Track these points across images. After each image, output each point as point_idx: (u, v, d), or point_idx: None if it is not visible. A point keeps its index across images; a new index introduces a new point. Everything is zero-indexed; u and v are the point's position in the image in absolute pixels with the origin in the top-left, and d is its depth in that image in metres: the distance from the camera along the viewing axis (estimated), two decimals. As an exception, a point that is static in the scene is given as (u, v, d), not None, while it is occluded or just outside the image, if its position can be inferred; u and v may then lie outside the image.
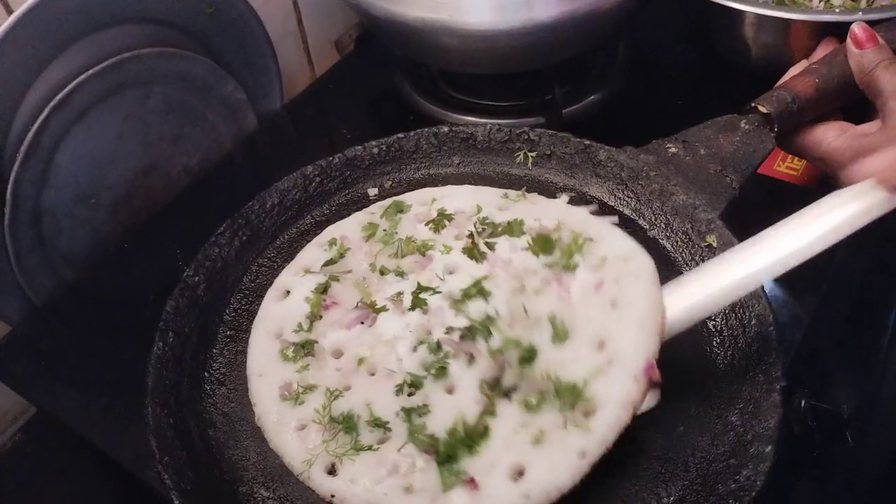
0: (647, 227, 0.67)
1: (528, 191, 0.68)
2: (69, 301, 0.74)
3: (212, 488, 0.51)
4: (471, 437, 0.51)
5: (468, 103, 0.88)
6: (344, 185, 0.73)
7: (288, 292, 0.62)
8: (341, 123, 0.90)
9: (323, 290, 0.61)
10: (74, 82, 0.68)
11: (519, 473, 0.50)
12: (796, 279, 0.68)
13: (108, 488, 0.59)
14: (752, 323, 0.56)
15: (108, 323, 0.71)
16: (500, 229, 0.63)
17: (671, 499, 0.50)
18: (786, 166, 0.79)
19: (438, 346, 0.56)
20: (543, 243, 0.60)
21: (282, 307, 0.61)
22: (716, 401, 0.54)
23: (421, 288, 0.59)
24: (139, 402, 0.54)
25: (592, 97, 0.87)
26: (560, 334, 0.55)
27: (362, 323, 0.59)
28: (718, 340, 0.58)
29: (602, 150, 0.70)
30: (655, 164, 0.68)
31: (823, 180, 0.77)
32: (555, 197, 0.68)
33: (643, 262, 0.58)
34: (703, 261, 0.62)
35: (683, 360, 0.57)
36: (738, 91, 0.67)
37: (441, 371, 0.54)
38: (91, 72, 0.69)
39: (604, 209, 0.68)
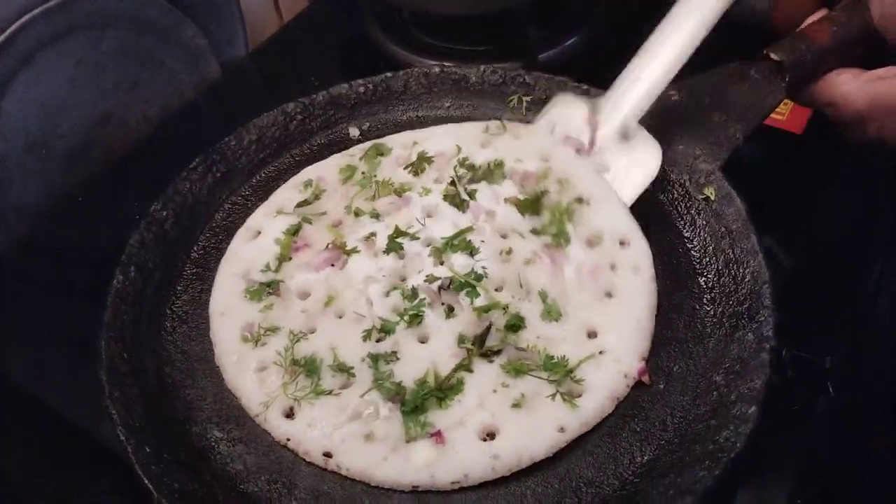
0: (644, 178, 0.63)
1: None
2: (21, 255, 0.70)
3: (162, 426, 0.49)
4: (441, 390, 0.49)
5: (441, 48, 0.83)
6: (327, 125, 0.69)
7: (259, 233, 0.60)
8: (310, 71, 0.85)
9: (294, 231, 0.58)
10: (18, 23, 0.64)
11: (490, 435, 0.48)
12: (781, 227, 0.65)
13: (62, 449, 0.56)
14: (747, 280, 0.53)
15: (63, 278, 0.68)
16: (480, 173, 0.60)
17: (645, 458, 0.47)
18: None
19: (414, 292, 0.53)
20: (531, 205, 0.58)
21: (251, 247, 0.59)
22: (701, 360, 0.51)
23: (398, 232, 0.56)
24: (94, 359, 0.51)
25: (571, 41, 0.82)
26: (552, 314, 0.52)
27: (332, 265, 0.56)
28: (709, 297, 0.54)
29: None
30: (655, 112, 0.63)
31: (810, 126, 0.73)
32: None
33: (641, 251, 0.56)
34: (698, 215, 0.59)
35: (670, 316, 0.54)
36: (731, 37, 0.63)
37: (415, 318, 0.52)
38: (37, 11, 0.65)
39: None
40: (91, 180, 0.77)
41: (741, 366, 0.48)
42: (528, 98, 0.69)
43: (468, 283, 0.53)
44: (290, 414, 0.49)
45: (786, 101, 0.75)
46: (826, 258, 0.65)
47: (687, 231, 0.59)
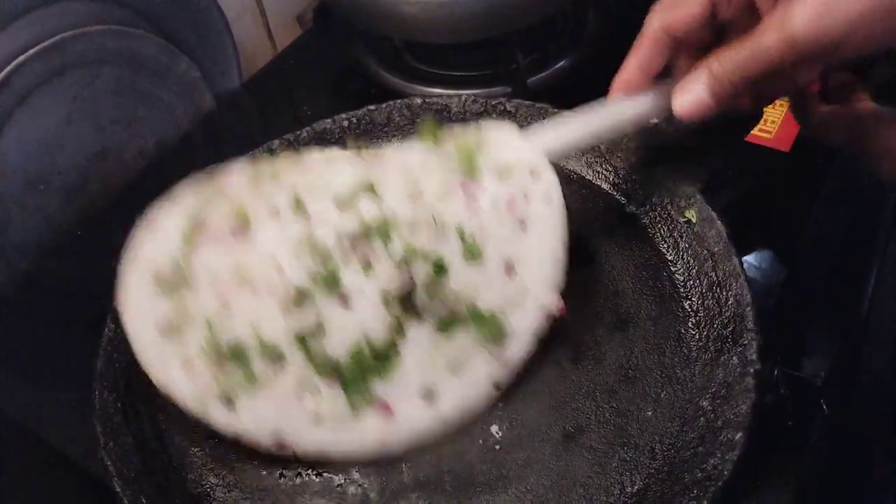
0: (625, 202, 0.64)
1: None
2: (23, 291, 0.71)
3: (158, 474, 0.49)
4: (378, 360, 0.48)
5: (433, 74, 0.84)
6: (312, 160, 0.70)
7: (161, 228, 0.56)
8: (304, 101, 0.87)
9: (196, 217, 0.55)
10: (14, 63, 0.65)
11: (431, 393, 0.49)
12: (772, 241, 0.66)
13: (59, 485, 0.57)
14: (730, 303, 0.53)
15: (64, 313, 0.69)
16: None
17: (635, 487, 0.47)
18: (758, 129, 0.76)
19: (324, 252, 0.50)
20: (431, 131, 0.56)
21: (154, 244, 0.55)
22: (688, 385, 0.52)
23: (299, 191, 0.53)
24: (89, 407, 0.51)
25: (559, 65, 0.83)
26: (473, 251, 0.51)
27: (237, 239, 0.52)
28: (694, 321, 0.55)
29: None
30: (635, 136, 0.64)
31: (798, 143, 0.74)
32: None
33: (552, 182, 0.55)
34: (681, 238, 0.59)
35: (656, 342, 0.54)
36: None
37: (330, 279, 0.49)
38: (32, 52, 0.66)
39: (582, 184, 0.65)
40: (90, 215, 0.78)
41: (727, 390, 0.49)
42: (511, 126, 0.69)
43: (380, 231, 0.50)
44: (231, 407, 0.48)
45: (773, 119, 0.77)
46: (816, 275, 0.65)
47: (670, 254, 0.59)
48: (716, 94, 0.44)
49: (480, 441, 0.50)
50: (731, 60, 0.43)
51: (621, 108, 0.54)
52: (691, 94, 0.45)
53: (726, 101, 0.45)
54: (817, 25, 0.39)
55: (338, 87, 0.92)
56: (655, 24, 0.50)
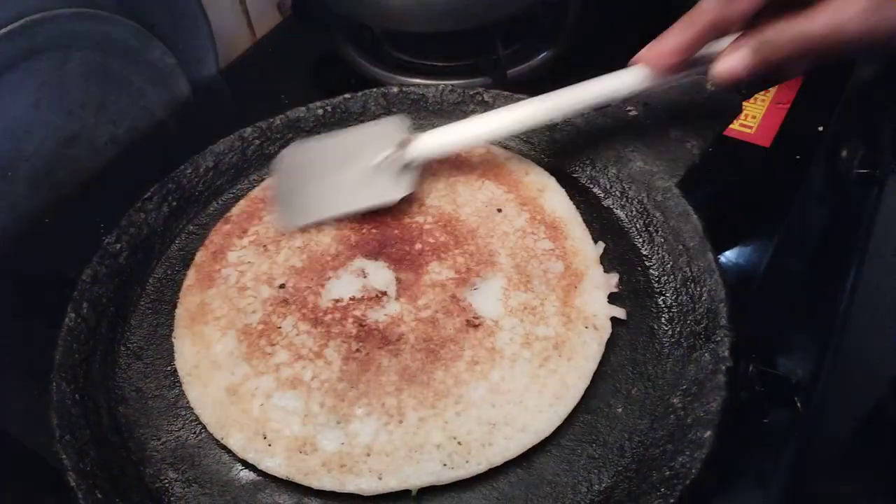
0: (602, 195, 0.63)
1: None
2: None
3: (115, 469, 0.48)
4: None
5: (412, 64, 0.83)
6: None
7: None
8: (282, 89, 0.85)
9: None
10: None
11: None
12: (750, 237, 0.65)
13: (18, 475, 0.56)
14: (703, 299, 0.52)
15: (29, 302, 0.67)
16: None
17: (602, 485, 0.46)
18: (739, 124, 0.75)
19: None
20: None
21: None
22: (659, 381, 0.51)
23: None
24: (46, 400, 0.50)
25: (541, 57, 0.82)
26: None
27: None
28: (667, 317, 0.54)
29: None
30: (613, 128, 0.63)
31: (779, 139, 0.73)
32: None
33: None
34: (656, 232, 0.58)
35: (628, 337, 0.53)
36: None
37: None
38: None
39: (560, 176, 0.64)
40: (57, 202, 0.76)
41: (698, 388, 0.48)
42: (488, 116, 0.68)
43: None
44: None
45: (754, 114, 0.76)
46: (795, 272, 0.65)
47: (645, 249, 0.58)
48: (761, 59, 0.46)
49: (448, 437, 0.49)
50: (782, 33, 0.45)
51: (606, 83, 0.55)
52: (735, 57, 0.47)
53: (763, 68, 0.47)
54: (867, 23, 0.43)
55: (316, 75, 0.90)
56: (712, 12, 0.48)
